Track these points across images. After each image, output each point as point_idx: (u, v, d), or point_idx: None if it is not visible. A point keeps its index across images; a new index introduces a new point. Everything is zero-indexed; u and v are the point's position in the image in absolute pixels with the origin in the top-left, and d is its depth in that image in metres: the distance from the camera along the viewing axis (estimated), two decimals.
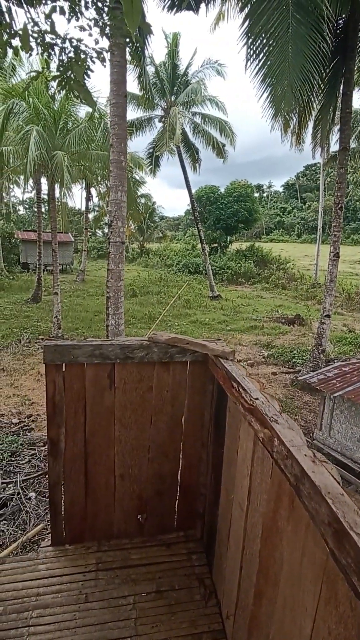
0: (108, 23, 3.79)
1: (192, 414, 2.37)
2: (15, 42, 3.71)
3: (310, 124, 9.84)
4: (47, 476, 4.91)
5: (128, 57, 7.51)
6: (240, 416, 1.72)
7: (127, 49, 7.16)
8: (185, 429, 2.40)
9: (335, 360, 8.89)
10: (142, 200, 26.18)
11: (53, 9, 3.55)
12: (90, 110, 12.91)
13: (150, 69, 15.93)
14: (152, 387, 2.29)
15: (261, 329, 13.32)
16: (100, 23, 3.82)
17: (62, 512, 2.36)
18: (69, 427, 2.24)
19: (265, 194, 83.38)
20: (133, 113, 18.51)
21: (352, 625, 0.87)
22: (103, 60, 3.53)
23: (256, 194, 32.20)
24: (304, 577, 1.10)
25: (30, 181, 16.95)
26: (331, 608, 0.96)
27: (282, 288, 22.13)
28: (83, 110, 14.53)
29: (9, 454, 5.68)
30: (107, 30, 3.80)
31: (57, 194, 13.09)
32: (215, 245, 30.15)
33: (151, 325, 12.99)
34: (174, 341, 2.19)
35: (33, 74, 12.01)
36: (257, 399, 1.47)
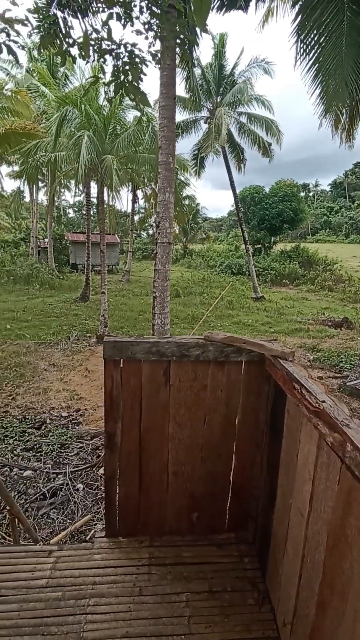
0: (161, 26, 3.84)
1: (246, 415, 2.34)
2: (74, 50, 3.87)
3: None
4: (94, 469, 5.07)
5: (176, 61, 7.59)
6: (301, 419, 1.67)
7: (177, 51, 7.25)
8: (238, 429, 2.37)
9: None
10: (186, 202, 26.30)
11: (110, 16, 3.66)
12: (138, 114, 13.22)
13: (196, 71, 15.98)
14: (207, 386, 2.29)
15: (306, 331, 12.93)
16: (154, 26, 3.89)
17: (117, 506, 2.42)
18: (125, 422, 2.29)
19: (311, 193, 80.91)
20: (179, 115, 18.66)
21: None
22: (159, 63, 3.59)
23: (302, 194, 31.35)
24: None
25: (80, 185, 17.62)
26: None
27: (328, 290, 21.34)
28: (131, 115, 14.90)
29: (59, 445, 5.92)
30: (160, 33, 3.85)
31: (105, 197, 13.48)
32: (259, 246, 29.69)
33: (194, 326, 13.01)
34: (230, 340, 2.17)
35: (86, 80, 12.48)
36: (323, 401, 1.42)
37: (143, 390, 2.26)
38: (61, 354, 10.38)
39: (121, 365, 2.21)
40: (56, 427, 6.51)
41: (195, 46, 8.31)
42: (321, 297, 19.97)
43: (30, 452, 5.75)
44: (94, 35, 3.77)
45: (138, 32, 3.63)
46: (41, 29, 3.60)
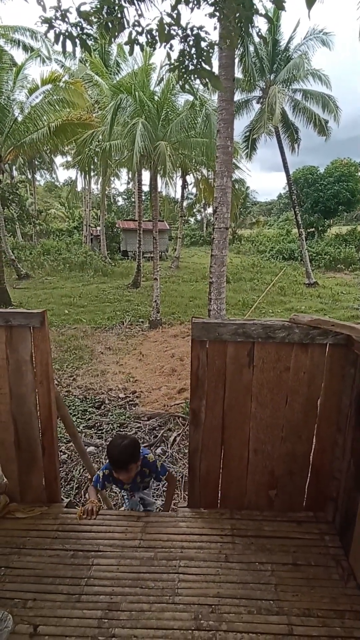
0: (222, 5, 3.76)
1: (329, 397, 2.35)
2: (142, 38, 3.92)
3: None
4: (151, 448, 5.28)
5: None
6: None
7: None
8: (320, 412, 2.39)
9: None
10: (236, 186, 25.81)
11: (178, 1, 3.66)
12: (190, 98, 13.08)
13: (250, 49, 15.42)
14: (290, 367, 2.32)
15: None
16: (220, 7, 3.83)
17: (199, 478, 2.55)
18: (209, 400, 2.40)
19: None
20: None
21: None
22: (231, 44, 3.55)
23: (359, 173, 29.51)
24: None
25: (132, 173, 17.87)
26: None
27: None
28: (182, 99, 14.78)
29: (118, 425, 6.24)
30: (221, 12, 3.78)
31: (158, 184, 13.59)
32: (312, 229, 28.57)
33: (245, 312, 12.92)
34: (317, 323, 2.18)
35: (139, 67, 12.53)
36: None
37: (227, 370, 2.34)
38: (116, 338, 10.79)
39: (207, 346, 2.30)
40: (115, 407, 6.85)
41: (255, 20, 8.03)
42: None
43: (92, 429, 6.12)
44: (165, 20, 3.79)
45: (211, 15, 3.60)
46: (109, 20, 3.67)
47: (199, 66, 3.83)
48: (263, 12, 3.53)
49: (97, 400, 7.13)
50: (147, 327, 11.77)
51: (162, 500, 4.00)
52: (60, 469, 4.79)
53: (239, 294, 16.12)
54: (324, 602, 1.97)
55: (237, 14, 3.95)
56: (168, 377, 8.11)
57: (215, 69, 7.02)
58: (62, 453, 5.23)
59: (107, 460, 2.34)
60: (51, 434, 2.50)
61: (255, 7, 3.87)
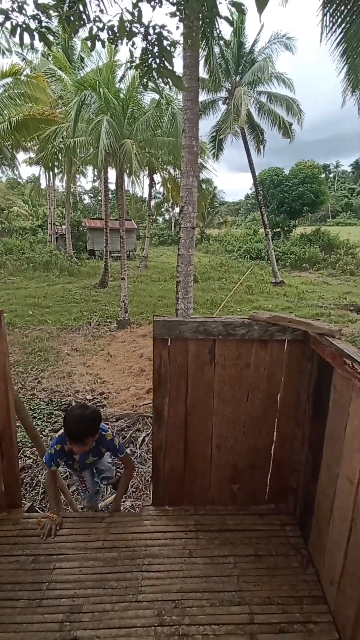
0: (185, 5, 3.79)
1: (288, 392, 2.43)
2: (103, 34, 3.87)
3: None
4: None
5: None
6: (352, 392, 1.75)
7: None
8: (280, 406, 2.46)
9: None
10: (203, 186, 26.02)
11: None
12: (156, 96, 13.06)
13: (215, 50, 15.58)
14: (250, 364, 2.38)
15: (328, 316, 12.82)
16: (182, 8, 3.85)
17: (163, 476, 2.56)
18: (171, 398, 2.41)
19: (332, 175, 78.69)
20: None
21: None
22: (192, 44, 3.57)
23: (322, 175, 30.53)
24: None
25: (97, 171, 17.59)
26: None
27: (350, 274, 21.04)
28: (148, 98, 14.71)
29: None
30: (185, 13, 3.80)
31: (124, 183, 13.47)
32: (278, 229, 29.27)
33: (213, 311, 13.06)
34: (275, 319, 2.24)
35: (103, 64, 12.36)
36: None
37: (189, 367, 2.36)
38: (83, 339, 10.61)
39: (169, 344, 2.32)
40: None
41: (217, 23, 8.13)
42: (342, 281, 19.70)
43: (59, 432, 6.00)
44: (125, 17, 3.76)
45: (172, 15, 3.61)
46: (69, 14, 3.61)
47: (162, 65, 3.84)
48: (228, 14, 3.58)
49: (63, 403, 6.98)
50: (115, 327, 11.65)
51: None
52: (25, 474, 4.67)
53: (208, 293, 16.28)
54: (284, 589, 2.04)
55: (199, 15, 3.98)
56: (137, 377, 8.07)
57: (180, 69, 7.07)
58: (26, 457, 5.10)
59: (60, 433, 2.26)
60: (10, 437, 2.44)
61: (216, 9, 3.92)
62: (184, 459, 2.53)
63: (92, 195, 48.55)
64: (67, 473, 4.53)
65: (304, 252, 24.55)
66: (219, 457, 2.53)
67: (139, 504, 3.86)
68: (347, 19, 6.80)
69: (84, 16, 3.72)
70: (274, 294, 16.40)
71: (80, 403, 2.22)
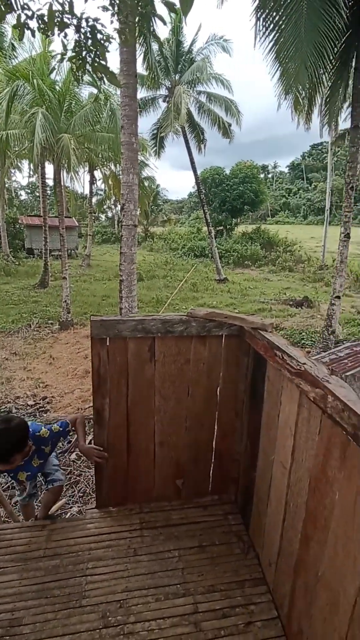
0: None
1: (227, 385, 2.51)
2: (32, 23, 3.72)
3: (319, 101, 9.68)
4: (66, 454, 5.11)
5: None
6: (283, 382, 1.85)
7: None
8: (220, 399, 2.53)
9: (345, 342, 8.99)
10: (146, 183, 25.91)
11: None
12: (95, 91, 12.76)
13: (154, 47, 15.57)
14: (190, 360, 2.42)
15: (269, 311, 13.39)
16: (115, 2, 3.80)
17: (107, 477, 2.53)
18: (112, 398, 2.39)
19: (270, 175, 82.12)
20: (137, 93, 18.16)
21: None
22: (126, 40, 3.53)
23: (261, 175, 31.81)
24: (358, 514, 1.24)
25: (34, 166, 16.80)
26: None
27: (289, 270, 22.09)
28: (86, 91, 14.33)
29: None
30: (120, 8, 3.77)
31: (62, 178, 13.01)
32: (221, 228, 29.98)
33: (159, 309, 13.10)
34: (212, 316, 2.30)
35: (37, 53, 11.82)
36: (304, 363, 1.59)
37: (129, 366, 2.35)
38: (23, 342, 10.13)
39: (107, 344, 2.29)
40: (23, 416, 6.44)
41: (154, 21, 8.12)
42: (282, 277, 20.63)
43: None
44: (55, 7, 3.63)
45: (104, 8, 3.55)
46: None
47: (95, 60, 3.75)
48: (166, 13, 3.57)
49: (2, 410, 6.63)
50: (57, 328, 11.26)
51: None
52: None
53: (153, 291, 16.27)
54: (227, 576, 2.11)
55: (131, 10, 3.95)
56: (81, 379, 7.87)
57: (117, 64, 6.97)
58: None
59: None
60: None
61: (151, 6, 3.91)
62: (127, 459, 2.52)
63: (29, 191, 46.34)
64: (8, 485, 4.32)
65: (246, 250, 25.38)
66: (163, 453, 2.55)
67: (81, 509, 3.77)
68: (279, 24, 7.10)
69: (12, 2, 3.54)
70: (218, 291, 16.79)
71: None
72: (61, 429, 2.37)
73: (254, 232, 29.06)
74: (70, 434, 2.58)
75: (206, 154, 20.22)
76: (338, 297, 9.08)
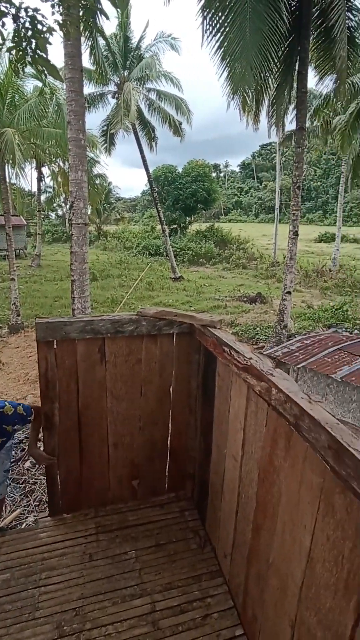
0: None
1: (179, 383, 2.52)
2: None
3: (266, 102, 9.97)
4: (19, 463, 4.91)
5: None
6: (232, 377, 1.88)
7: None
8: (173, 397, 2.54)
9: (297, 335, 9.37)
10: (97, 181, 25.39)
11: None
12: (40, 84, 12.28)
13: (101, 42, 15.27)
14: (141, 359, 2.41)
15: (224, 308, 13.64)
16: None
17: (59, 484, 2.45)
18: (62, 402, 2.32)
19: (222, 174, 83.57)
20: (84, 88, 17.72)
21: (348, 527, 1.07)
22: (68, 33, 3.42)
23: (213, 174, 32.31)
24: (302, 501, 1.29)
25: None
26: (329, 519, 1.15)
27: (242, 268, 22.62)
28: (30, 84, 13.77)
29: None
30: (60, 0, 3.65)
31: (7, 175, 12.42)
32: (175, 226, 30.08)
33: (114, 309, 12.92)
34: (162, 314, 2.30)
35: None
36: (250, 358, 1.63)
37: (79, 368, 2.30)
38: None
39: (55, 346, 2.22)
40: None
41: (99, 15, 7.94)
42: (236, 274, 21.09)
43: None
44: None
45: None
46: None
47: (36, 52, 3.61)
48: (113, 9, 3.49)
49: None
50: (6, 332, 10.77)
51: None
52: None
53: (108, 291, 16.01)
54: (184, 572, 2.13)
55: (74, 2, 3.84)
56: (34, 384, 7.58)
57: (62, 57, 6.75)
58: None
59: None
60: None
61: (92, 1, 3.82)
62: (79, 463, 2.46)
63: None
64: None
65: (200, 248, 25.66)
66: (117, 455, 2.52)
67: (34, 518, 3.64)
68: (225, 25, 7.21)
69: None
70: (174, 289, 16.84)
71: None
72: (25, 414, 2.17)
73: (207, 230, 29.44)
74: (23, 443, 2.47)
75: (158, 152, 20.19)
76: (289, 293, 9.43)
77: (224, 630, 1.83)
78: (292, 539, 1.38)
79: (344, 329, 10.80)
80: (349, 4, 8.19)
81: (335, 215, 22.67)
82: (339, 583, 1.13)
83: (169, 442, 2.62)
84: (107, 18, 3.55)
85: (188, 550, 2.26)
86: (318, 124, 16.64)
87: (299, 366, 6.08)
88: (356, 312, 12.75)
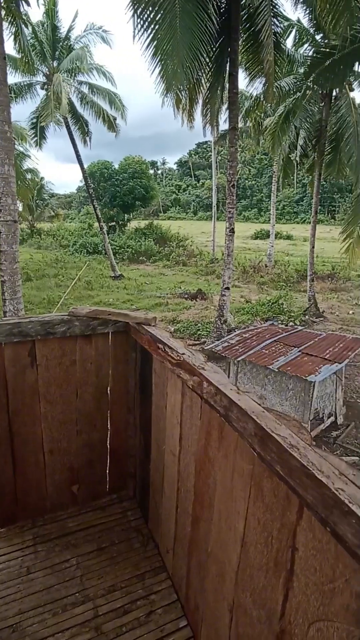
0: None
1: (117, 382, 2.48)
2: None
3: (200, 101, 10.13)
4: None
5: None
6: (167, 373, 1.89)
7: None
8: (111, 397, 2.50)
9: (236, 329, 9.69)
10: (29, 176, 24.17)
11: None
12: None
13: (27, 30, 14.49)
14: (76, 360, 2.33)
15: (166, 305, 13.72)
16: None
17: None
18: None
19: (160, 171, 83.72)
20: (10, 77, 16.71)
21: (275, 509, 1.12)
22: None
23: (151, 171, 32.25)
24: (235, 488, 1.34)
25: None
26: (259, 503, 1.20)
27: (182, 265, 22.89)
28: None
29: None
30: None
31: None
32: (113, 223, 29.62)
33: (51, 310, 12.43)
34: (95, 313, 2.25)
35: None
36: (183, 353, 1.65)
37: (7, 374, 2.17)
38: None
39: None
40: None
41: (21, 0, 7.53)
42: (176, 271, 21.29)
43: None
44: None
45: None
46: None
47: None
48: None
49: None
50: None
51: None
52: None
53: (43, 291, 15.35)
54: (127, 572, 2.11)
55: None
56: None
57: None
58: None
59: None
60: None
61: None
62: (13, 473, 2.33)
63: None
64: None
65: (140, 245, 25.52)
66: (54, 461, 2.43)
67: None
68: (155, 22, 7.17)
69: None
70: (114, 288, 16.59)
71: None
72: None
73: (146, 228, 29.35)
74: None
75: (94, 147, 19.70)
76: (227, 289, 9.71)
77: (168, 624, 1.85)
78: (227, 526, 1.42)
79: (280, 322, 11.40)
80: (275, 10, 8.59)
81: (270, 213, 23.74)
82: (269, 562, 1.18)
83: (108, 443, 2.58)
84: (29, 4, 3.36)
85: (131, 550, 2.24)
86: (250, 124, 17.26)
87: (239, 359, 6.31)
88: (291, 305, 13.50)
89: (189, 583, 1.84)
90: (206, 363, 1.54)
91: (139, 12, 7.29)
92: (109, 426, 2.54)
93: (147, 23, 7.30)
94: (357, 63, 9.41)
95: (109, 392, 2.49)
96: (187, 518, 1.79)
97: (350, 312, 13.39)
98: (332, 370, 5.52)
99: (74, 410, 2.40)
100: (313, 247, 12.84)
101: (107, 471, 2.63)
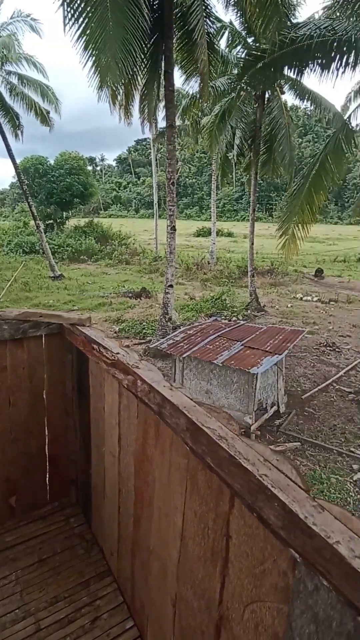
0: None
1: (53, 386, 2.39)
2: None
3: (137, 98, 10.03)
4: None
5: None
6: (103, 374, 1.86)
7: None
8: (47, 402, 2.40)
9: (181, 326, 9.78)
10: None
11: None
12: None
13: None
14: (6, 366, 2.21)
15: (109, 305, 13.48)
16: None
17: None
18: None
19: (98, 168, 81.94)
20: None
21: (210, 500, 1.15)
22: None
23: (89, 167, 31.39)
24: (172, 483, 1.35)
25: None
26: (195, 496, 1.22)
27: (125, 263, 22.63)
28: None
29: None
30: None
31: None
32: (51, 221, 28.48)
33: None
34: (25, 316, 2.14)
35: None
36: (118, 353, 1.63)
37: None
38: None
39: None
40: None
41: None
42: (120, 270, 20.99)
43: None
44: None
45: None
46: None
47: None
48: None
49: None
50: None
51: None
52: None
53: None
54: (71, 580, 2.05)
55: None
56: None
57: None
58: None
59: None
60: None
61: None
62: None
63: None
64: None
65: (80, 244, 24.79)
66: None
67: None
68: (86, 14, 6.95)
69: None
70: (54, 289, 15.98)
71: None
72: None
73: (87, 226, 28.58)
74: None
75: (27, 142, 18.74)
76: (171, 286, 9.76)
77: (114, 627, 1.82)
78: (167, 522, 1.43)
79: (223, 317, 11.70)
80: (207, 10, 8.73)
81: (211, 211, 24.22)
82: (206, 553, 1.21)
83: (47, 449, 2.48)
84: None
85: (75, 558, 2.18)
86: (188, 122, 17.44)
87: (184, 355, 6.37)
88: (233, 301, 13.90)
89: (134, 583, 1.83)
90: (140, 361, 1.53)
91: (68, 1, 7.04)
92: (46, 432, 2.44)
93: (77, 14, 7.07)
94: (286, 67, 9.86)
95: (44, 396, 2.39)
96: (129, 518, 1.77)
97: (289, 305, 14.10)
98: (273, 362, 5.76)
99: (7, 418, 2.28)
100: (252, 244, 13.31)
101: (47, 479, 2.53)
